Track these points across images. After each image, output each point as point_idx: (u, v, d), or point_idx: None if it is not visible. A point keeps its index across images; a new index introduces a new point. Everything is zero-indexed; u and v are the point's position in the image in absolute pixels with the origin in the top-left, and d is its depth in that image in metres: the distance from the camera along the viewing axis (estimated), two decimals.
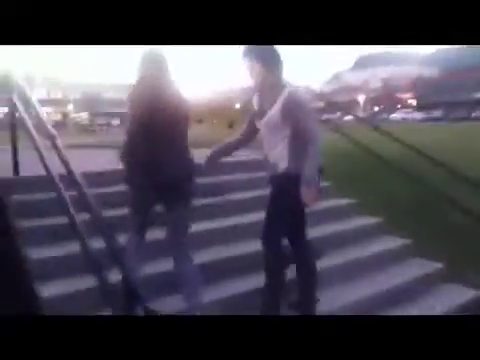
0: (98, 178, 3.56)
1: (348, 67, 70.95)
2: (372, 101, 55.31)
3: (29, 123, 2.75)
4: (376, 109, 53.17)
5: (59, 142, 2.29)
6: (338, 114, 42.98)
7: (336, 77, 68.04)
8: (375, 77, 57.86)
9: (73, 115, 53.43)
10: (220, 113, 33.79)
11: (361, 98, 54.56)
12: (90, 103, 53.07)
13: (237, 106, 38.87)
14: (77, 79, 58.26)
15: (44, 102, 60.95)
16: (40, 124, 2.52)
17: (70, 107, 56.87)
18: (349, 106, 50.49)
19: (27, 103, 2.89)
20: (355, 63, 69.87)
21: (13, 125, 3.44)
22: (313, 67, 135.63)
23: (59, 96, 58.66)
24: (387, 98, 53.84)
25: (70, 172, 2.13)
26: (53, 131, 2.35)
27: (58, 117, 53.26)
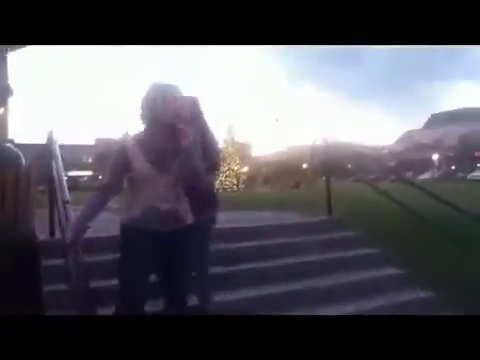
0: None
1: (420, 126, 69.21)
2: (448, 159, 52.94)
3: (56, 185, 2.82)
4: (453, 168, 50.61)
5: (69, 208, 2.30)
6: (411, 173, 41.49)
7: (408, 135, 66.48)
8: (450, 135, 55.73)
9: None
10: (287, 173, 33.98)
11: (435, 157, 52.44)
12: None
13: (304, 166, 38.75)
14: None
15: None
16: (61, 188, 2.57)
17: None
18: (422, 165, 48.74)
19: (57, 166, 3.00)
20: (427, 121, 68.08)
21: (51, 187, 3.56)
22: (384, 125, 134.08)
23: None
24: (464, 156, 51.27)
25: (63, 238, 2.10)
26: (67, 197, 2.38)
27: None
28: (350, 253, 4.49)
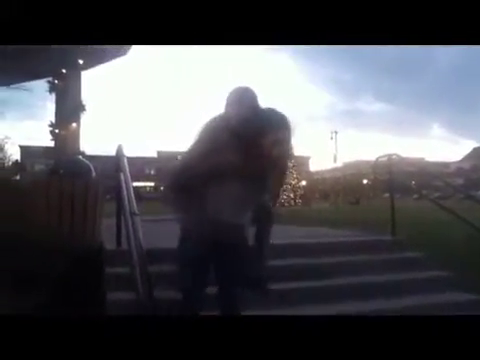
0: None
1: None
2: None
3: (124, 198, 2.91)
4: None
5: (137, 220, 2.37)
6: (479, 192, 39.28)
7: (476, 152, 63.01)
8: None
9: None
10: (347, 188, 33.27)
11: None
12: None
13: (364, 182, 37.80)
14: None
15: None
16: (129, 200, 2.66)
17: None
18: None
19: (126, 179, 3.11)
20: None
21: (119, 199, 3.69)
22: (451, 141, 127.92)
23: None
24: None
25: (140, 249, 2.16)
26: (135, 209, 2.46)
27: None
28: (416, 275, 4.28)
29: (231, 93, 2.63)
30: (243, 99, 2.55)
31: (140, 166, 45.52)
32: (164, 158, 63.37)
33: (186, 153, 2.49)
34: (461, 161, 63.55)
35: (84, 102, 6.77)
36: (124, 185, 3.15)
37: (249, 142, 2.29)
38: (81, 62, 6.86)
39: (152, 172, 61.96)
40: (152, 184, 57.07)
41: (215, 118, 2.56)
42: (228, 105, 2.61)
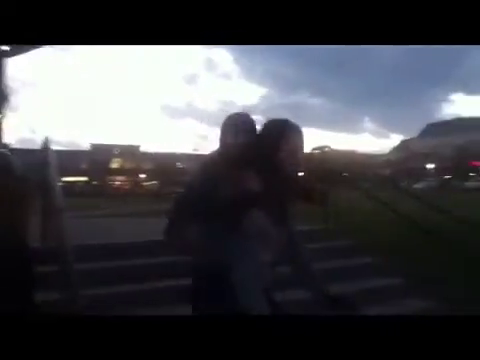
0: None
1: (416, 134, 69.76)
2: (443, 169, 53.17)
3: (51, 193, 2.80)
4: (447, 177, 50.72)
5: (63, 215, 2.28)
6: (406, 182, 41.78)
7: (404, 144, 66.83)
8: (446, 144, 56.02)
9: (145, 184, 56.34)
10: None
11: (431, 165, 52.70)
12: (161, 172, 55.32)
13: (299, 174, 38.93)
14: (151, 149, 62.83)
15: (120, 171, 65.39)
16: (55, 195, 2.55)
17: (142, 176, 60.36)
18: (418, 174, 48.95)
19: (53, 173, 2.98)
20: (423, 131, 68.55)
21: (45, 195, 3.53)
22: (380, 134, 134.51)
23: (133, 166, 62.48)
24: (459, 166, 51.45)
25: (62, 245, 2.08)
26: (61, 204, 2.37)
27: (129, 185, 56.29)
28: (346, 262, 4.47)
29: (225, 121, 2.36)
30: (240, 124, 2.29)
31: (72, 159, 43.74)
32: (98, 151, 61.49)
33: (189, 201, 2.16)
34: (389, 153, 67.04)
35: (8, 91, 6.38)
36: (50, 180, 3.01)
37: (261, 160, 2.08)
38: (7, 49, 6.45)
39: (84, 166, 59.85)
40: (85, 179, 55.08)
41: (213, 154, 2.33)
42: (224, 134, 2.33)
